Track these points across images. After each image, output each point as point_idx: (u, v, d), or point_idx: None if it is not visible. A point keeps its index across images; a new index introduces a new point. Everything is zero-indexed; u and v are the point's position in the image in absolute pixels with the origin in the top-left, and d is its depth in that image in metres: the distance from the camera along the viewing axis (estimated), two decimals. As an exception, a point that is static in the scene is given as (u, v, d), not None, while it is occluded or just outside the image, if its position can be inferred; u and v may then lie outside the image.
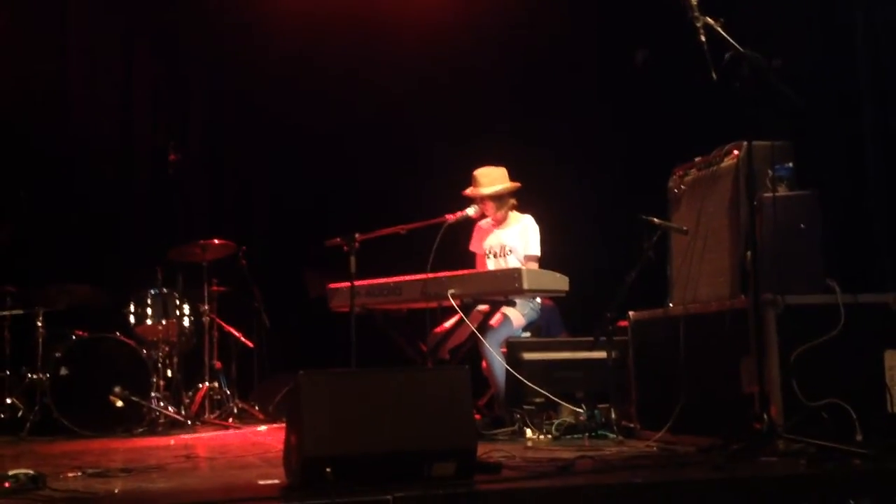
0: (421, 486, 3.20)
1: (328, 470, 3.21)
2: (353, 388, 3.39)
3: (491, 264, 6.07)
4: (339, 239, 5.51)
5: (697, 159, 4.84)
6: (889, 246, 5.25)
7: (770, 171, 4.35)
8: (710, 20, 4.03)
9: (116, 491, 3.54)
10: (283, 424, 3.87)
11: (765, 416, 3.89)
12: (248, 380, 7.48)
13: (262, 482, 3.64)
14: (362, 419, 3.30)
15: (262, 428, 6.49)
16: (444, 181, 6.40)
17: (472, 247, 6.28)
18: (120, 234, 7.82)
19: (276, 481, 3.55)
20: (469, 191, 6.05)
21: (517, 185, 6.09)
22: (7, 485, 3.45)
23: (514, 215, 6.15)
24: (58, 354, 6.28)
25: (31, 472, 3.54)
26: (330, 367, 5.17)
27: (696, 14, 4.03)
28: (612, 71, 7.18)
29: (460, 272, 5.59)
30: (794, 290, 4.16)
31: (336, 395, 3.34)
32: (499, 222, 6.17)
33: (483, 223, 6.25)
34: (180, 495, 3.44)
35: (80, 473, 3.95)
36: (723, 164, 4.61)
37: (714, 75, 3.94)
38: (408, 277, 5.59)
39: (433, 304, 5.66)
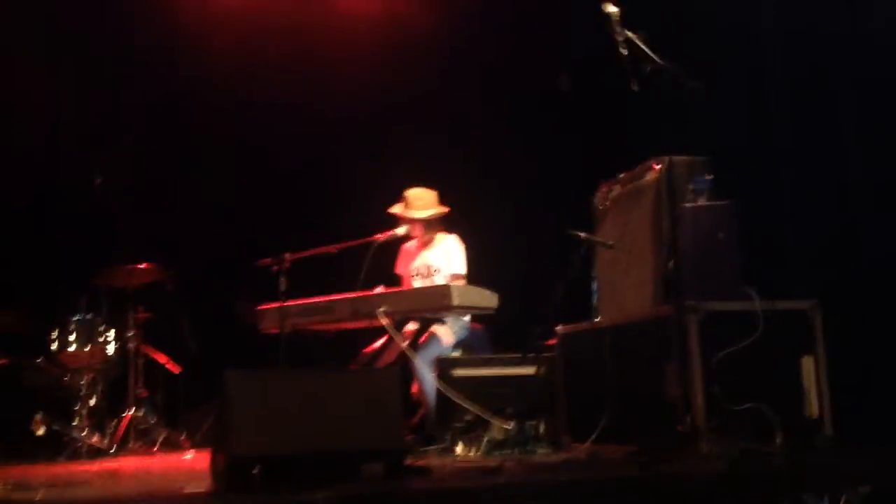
0: (349, 486, 3.19)
1: (255, 471, 3.18)
2: (281, 388, 3.39)
3: (418, 285, 6.10)
4: (269, 259, 5.49)
5: (622, 175, 4.95)
6: (803, 254, 5.39)
7: (690, 185, 4.49)
8: (630, 34, 4.15)
9: (38, 498, 3.46)
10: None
11: (687, 419, 3.97)
12: (176, 407, 7.34)
13: (187, 491, 3.59)
14: (291, 418, 3.30)
15: (189, 455, 6.37)
16: (372, 201, 6.42)
17: (399, 269, 6.31)
18: (43, 258, 7.65)
19: (202, 490, 3.50)
20: (400, 210, 6.09)
21: (447, 209, 6.16)
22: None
23: (440, 236, 6.21)
24: (-22, 381, 6.13)
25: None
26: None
27: (618, 29, 4.15)
28: (537, 89, 7.27)
29: (390, 290, 5.61)
30: (714, 297, 4.26)
31: (264, 394, 3.32)
32: (425, 244, 6.22)
33: (408, 245, 6.30)
34: (104, 502, 3.36)
35: (1, 486, 3.85)
36: (645, 179, 4.73)
37: (635, 87, 4.06)
38: (338, 296, 5.59)
39: (364, 324, 5.66)
